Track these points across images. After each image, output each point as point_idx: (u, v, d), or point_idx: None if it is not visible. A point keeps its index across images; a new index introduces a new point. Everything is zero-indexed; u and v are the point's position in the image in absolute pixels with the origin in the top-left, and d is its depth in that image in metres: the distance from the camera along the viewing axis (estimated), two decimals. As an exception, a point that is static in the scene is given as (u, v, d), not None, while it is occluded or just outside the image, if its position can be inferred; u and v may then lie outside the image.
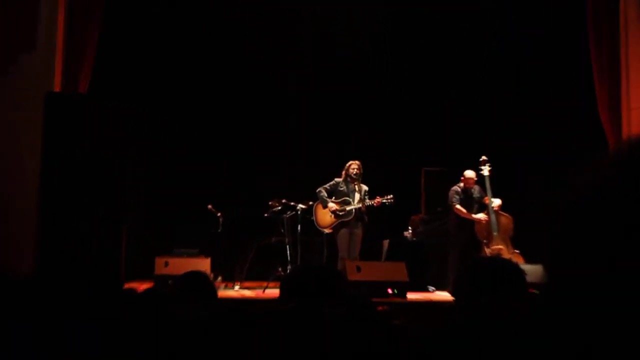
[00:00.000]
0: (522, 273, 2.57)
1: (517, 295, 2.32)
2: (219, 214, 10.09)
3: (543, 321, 0.94)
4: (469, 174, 9.78)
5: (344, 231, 9.59)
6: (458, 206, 9.71)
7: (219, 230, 10.03)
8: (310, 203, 9.88)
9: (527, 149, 11.30)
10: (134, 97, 11.27)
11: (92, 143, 8.59)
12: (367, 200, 9.58)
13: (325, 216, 9.76)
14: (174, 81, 11.70)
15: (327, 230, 9.74)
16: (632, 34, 9.35)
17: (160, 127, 11.62)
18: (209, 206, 10.17)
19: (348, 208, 9.62)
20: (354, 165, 9.71)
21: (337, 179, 9.83)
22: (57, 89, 9.04)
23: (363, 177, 9.78)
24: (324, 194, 9.78)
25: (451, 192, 9.83)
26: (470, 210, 9.72)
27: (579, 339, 0.86)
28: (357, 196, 9.66)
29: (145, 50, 11.48)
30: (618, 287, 0.81)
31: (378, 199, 9.55)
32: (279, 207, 9.99)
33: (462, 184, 9.84)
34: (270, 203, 10.05)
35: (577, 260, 0.86)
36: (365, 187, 9.75)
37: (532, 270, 2.52)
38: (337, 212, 9.64)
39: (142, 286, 8.50)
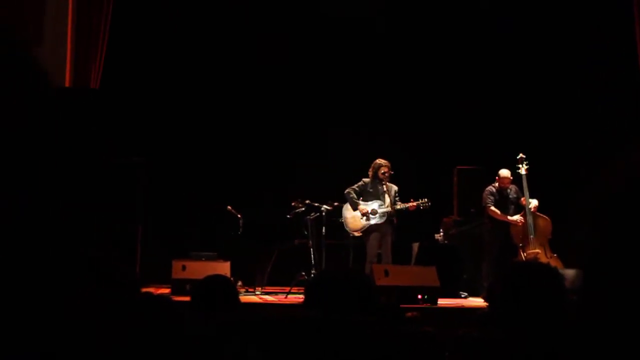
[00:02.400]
0: (561, 278, 2.58)
1: (555, 302, 2.34)
2: (238, 215, 10.13)
3: (580, 330, 0.94)
4: (504, 173, 9.74)
5: (374, 235, 9.61)
6: (493, 208, 9.69)
7: (239, 233, 10.07)
8: (336, 204, 9.88)
9: (568, 146, 11.23)
10: (149, 93, 11.39)
11: (105, 140, 8.69)
12: (401, 204, 9.56)
13: (355, 219, 9.78)
14: (191, 77, 11.77)
15: (356, 234, 9.77)
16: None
17: (178, 123, 11.69)
18: (229, 207, 10.21)
19: (381, 210, 9.63)
20: (383, 169, 9.64)
21: (365, 180, 9.82)
22: (67, 84, 9.15)
23: (393, 178, 9.77)
24: (354, 195, 9.77)
25: (485, 193, 9.81)
26: (506, 212, 9.69)
27: (618, 348, 0.86)
28: (387, 198, 9.64)
29: (160, 45, 11.55)
30: None
31: (413, 203, 9.53)
32: (303, 208, 10.01)
33: (497, 184, 9.81)
34: (293, 204, 10.08)
35: (617, 262, 0.86)
36: (395, 187, 9.72)
37: (572, 275, 2.53)
38: (368, 215, 9.65)
39: (159, 290, 8.60)
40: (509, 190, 9.78)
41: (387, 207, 9.57)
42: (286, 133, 11.96)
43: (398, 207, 9.58)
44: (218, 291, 3.21)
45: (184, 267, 9.02)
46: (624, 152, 0.94)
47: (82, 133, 8.48)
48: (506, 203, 9.76)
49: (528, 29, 11.74)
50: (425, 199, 9.53)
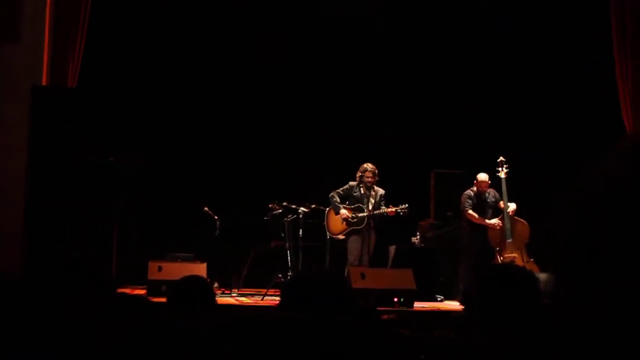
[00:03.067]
0: (536, 281, 2.60)
1: (530, 305, 2.36)
2: (215, 217, 10.11)
3: (553, 332, 0.95)
4: (482, 177, 9.79)
5: (355, 237, 9.64)
6: (470, 211, 9.73)
7: (216, 234, 10.05)
8: (313, 206, 9.90)
9: (547, 150, 11.31)
10: (126, 93, 11.34)
11: (82, 139, 8.65)
12: (382, 209, 9.58)
13: (337, 222, 9.80)
14: (168, 77, 11.73)
15: (339, 237, 9.79)
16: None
17: (155, 124, 11.65)
18: (205, 208, 10.19)
19: (360, 215, 9.64)
20: (368, 174, 9.65)
21: (351, 183, 9.84)
22: (44, 82, 9.10)
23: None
24: (337, 199, 9.80)
25: (463, 197, 9.85)
26: (484, 215, 9.73)
27: (593, 348, 0.86)
28: (371, 201, 9.66)
29: (138, 44, 11.51)
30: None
31: (392, 209, 9.55)
32: (280, 210, 10.01)
33: (475, 188, 9.85)
34: (270, 206, 10.07)
35: (590, 263, 0.86)
36: (381, 191, 9.73)
37: (548, 279, 2.55)
38: (349, 220, 9.68)
39: (135, 291, 8.56)
40: (487, 194, 9.82)
41: (370, 211, 9.58)
42: (263, 135, 11.95)
43: (377, 212, 9.58)
44: (194, 292, 3.21)
45: (160, 268, 8.99)
46: (601, 159, 0.95)
47: (59, 132, 8.43)
48: (484, 207, 9.81)
49: (506, 29, 11.80)
50: (405, 205, 9.54)
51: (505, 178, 9.67)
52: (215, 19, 11.87)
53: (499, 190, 9.73)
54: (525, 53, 11.81)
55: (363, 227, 9.60)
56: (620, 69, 9.98)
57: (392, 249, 10.78)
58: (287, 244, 9.85)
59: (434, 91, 12.14)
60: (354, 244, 9.63)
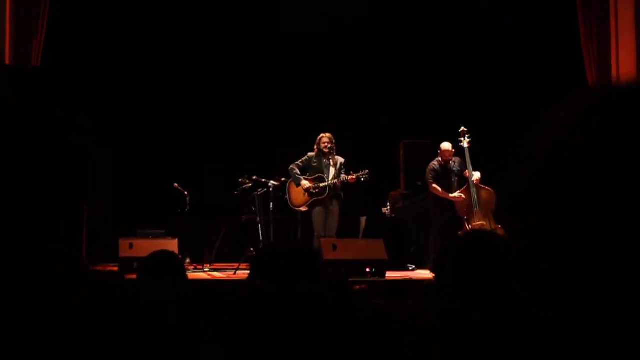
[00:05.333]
0: (503, 244, 2.61)
1: (496, 267, 2.37)
2: (185, 193, 10.08)
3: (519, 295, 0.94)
4: (445, 146, 9.83)
5: (318, 209, 9.58)
6: (434, 185, 9.77)
7: (186, 210, 10.03)
8: (283, 179, 9.87)
9: (510, 118, 11.38)
10: (93, 70, 11.21)
11: (47, 118, 8.54)
12: (343, 176, 9.53)
13: (298, 194, 9.74)
14: (134, 52, 11.62)
15: (302, 209, 9.75)
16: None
17: (122, 100, 11.55)
18: (175, 184, 10.15)
19: (322, 185, 9.58)
20: (324, 139, 9.58)
21: (309, 154, 9.77)
22: (7, 61, 8.97)
23: (338, 150, 9.74)
24: (297, 171, 9.73)
25: (428, 170, 9.88)
26: (450, 184, 9.78)
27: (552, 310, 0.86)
28: (332, 171, 9.61)
29: (101, 18, 11.37)
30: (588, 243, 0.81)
31: (353, 175, 9.48)
32: (250, 184, 9.99)
33: (439, 158, 9.90)
34: (240, 180, 10.05)
35: (547, 222, 0.86)
36: (341, 160, 9.66)
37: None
38: (311, 190, 9.60)
39: (107, 269, 8.52)
40: (452, 163, 9.87)
41: (332, 180, 9.54)
42: (231, 109, 11.90)
43: (341, 180, 9.50)
44: (164, 266, 3.20)
45: (131, 245, 8.95)
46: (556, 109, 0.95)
47: (23, 112, 8.32)
48: (450, 176, 9.86)
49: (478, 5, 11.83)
50: (366, 171, 9.47)
51: (469, 147, 9.72)
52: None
53: (464, 160, 9.78)
54: (487, 18, 11.80)
55: (325, 197, 9.56)
56: (585, 31, 10.05)
57: (363, 219, 10.82)
58: (258, 218, 9.85)
59: (401, 62, 12.14)
60: (317, 216, 9.58)
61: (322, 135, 9.64)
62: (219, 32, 11.91)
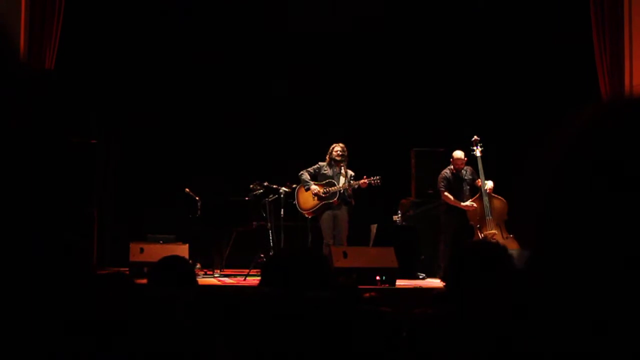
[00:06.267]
0: (509, 256, 2.63)
1: (504, 279, 2.39)
2: (197, 198, 10.10)
3: (527, 304, 0.94)
4: (458, 154, 9.83)
5: (327, 215, 9.62)
6: (446, 193, 9.77)
7: (197, 215, 10.05)
8: (294, 186, 9.90)
9: (523, 128, 11.35)
10: (106, 74, 11.26)
11: (59, 122, 8.57)
12: (353, 182, 9.59)
13: (307, 199, 9.78)
14: (147, 56, 11.66)
15: (310, 214, 9.78)
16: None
17: (134, 104, 11.59)
18: (187, 189, 10.18)
19: (332, 190, 9.63)
20: (337, 148, 9.68)
21: (320, 163, 9.85)
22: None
23: (350, 160, 9.78)
24: (306, 176, 9.79)
25: (439, 177, 9.89)
26: (462, 193, 9.78)
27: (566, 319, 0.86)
28: (342, 179, 9.68)
29: (114, 25, 11.42)
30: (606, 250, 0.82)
31: (364, 180, 9.53)
32: (261, 191, 10.01)
33: (451, 166, 9.90)
34: (251, 186, 10.08)
35: (559, 234, 0.86)
36: (351, 172, 9.74)
37: (517, 255, 2.57)
38: (320, 194, 9.65)
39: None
40: (464, 172, 9.86)
41: (340, 186, 9.57)
42: (244, 115, 11.92)
43: (352, 185, 9.57)
44: (175, 272, 3.21)
45: (141, 250, 8.97)
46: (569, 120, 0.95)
47: (36, 114, 8.36)
48: (462, 184, 9.85)
49: (481, 6, 11.81)
50: (377, 176, 9.52)
51: (481, 156, 9.71)
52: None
53: (476, 169, 9.78)
54: (501, 28, 11.80)
55: (334, 201, 9.60)
56: (598, 42, 10.04)
57: (374, 227, 10.81)
58: (269, 224, 9.87)
59: (413, 71, 12.13)
60: (326, 222, 9.63)
61: (334, 145, 9.73)
62: (231, 37, 11.94)
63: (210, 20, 11.90)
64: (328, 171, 9.73)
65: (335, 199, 9.59)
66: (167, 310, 1.84)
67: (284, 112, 11.97)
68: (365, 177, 9.55)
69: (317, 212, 9.71)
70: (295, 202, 9.86)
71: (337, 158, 9.63)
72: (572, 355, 0.85)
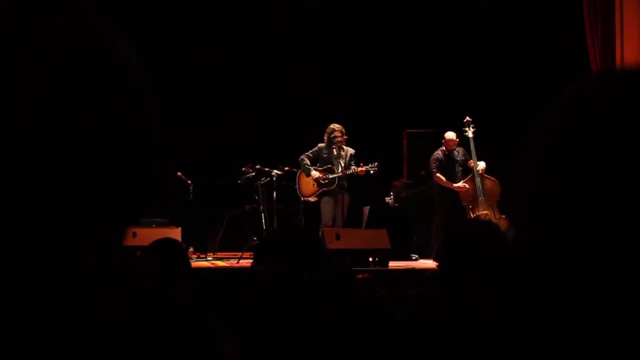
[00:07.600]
0: (502, 234, 2.63)
1: (496, 257, 2.39)
2: (189, 181, 10.09)
3: (517, 280, 0.94)
4: (449, 135, 9.84)
5: (327, 199, 9.66)
6: (438, 174, 9.78)
7: (190, 199, 10.04)
8: (287, 169, 9.89)
9: (515, 107, 11.35)
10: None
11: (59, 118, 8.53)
12: (352, 168, 9.56)
13: (308, 185, 9.81)
14: (141, 39, 11.58)
15: (311, 199, 9.80)
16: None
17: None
18: (179, 173, 10.16)
19: (331, 176, 9.65)
20: (337, 132, 9.60)
21: (320, 145, 9.83)
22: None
23: (347, 140, 9.76)
24: (307, 162, 9.80)
25: (431, 159, 9.89)
26: (454, 174, 9.79)
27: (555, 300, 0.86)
28: (341, 163, 9.65)
29: (115, 25, 11.31)
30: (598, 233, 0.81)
31: (362, 167, 9.53)
32: (253, 174, 10.00)
33: (443, 147, 9.91)
34: (243, 169, 10.06)
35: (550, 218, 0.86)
36: (351, 151, 9.69)
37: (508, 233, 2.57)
38: (320, 181, 9.68)
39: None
40: (456, 153, 9.87)
41: (340, 173, 9.57)
42: (235, 97, 11.89)
43: (347, 172, 9.56)
44: (167, 254, 3.21)
45: (134, 234, 8.93)
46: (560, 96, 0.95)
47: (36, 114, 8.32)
48: (454, 165, 9.87)
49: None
50: (375, 163, 9.52)
51: (473, 137, 9.72)
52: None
53: (468, 150, 9.78)
54: (493, 10, 11.77)
55: (334, 187, 9.61)
56: (589, 18, 10.04)
57: (366, 209, 10.82)
58: (261, 207, 9.86)
59: (404, 51, 12.11)
60: (326, 206, 9.65)
61: (332, 126, 9.64)
62: (224, 17, 11.88)
63: (210, 20, 11.83)
64: (327, 154, 9.72)
65: (335, 185, 9.60)
66: (166, 284, 1.83)
67: (275, 93, 11.93)
68: (362, 164, 9.54)
69: (318, 197, 9.76)
70: (297, 187, 9.88)
71: (339, 142, 9.57)
72: (564, 336, 0.84)
